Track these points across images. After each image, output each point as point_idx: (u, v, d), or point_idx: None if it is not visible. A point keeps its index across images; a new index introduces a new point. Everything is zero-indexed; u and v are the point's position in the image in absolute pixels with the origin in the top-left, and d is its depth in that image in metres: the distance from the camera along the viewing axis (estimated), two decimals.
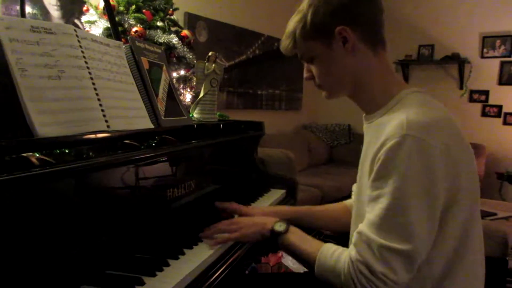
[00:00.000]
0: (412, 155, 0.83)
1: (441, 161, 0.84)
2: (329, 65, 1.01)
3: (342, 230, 1.22)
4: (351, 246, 0.90)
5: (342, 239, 1.15)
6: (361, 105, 1.06)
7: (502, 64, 4.54)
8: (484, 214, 2.64)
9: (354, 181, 1.18)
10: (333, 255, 0.92)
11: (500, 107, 4.59)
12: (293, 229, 1.05)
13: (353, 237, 0.91)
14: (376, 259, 0.84)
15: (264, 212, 1.29)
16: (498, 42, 4.55)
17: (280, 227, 1.05)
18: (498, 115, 4.61)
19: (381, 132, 0.91)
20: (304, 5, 1.00)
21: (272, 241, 1.05)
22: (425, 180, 0.84)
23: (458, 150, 0.90)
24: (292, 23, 1.02)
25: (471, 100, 4.73)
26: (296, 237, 1.03)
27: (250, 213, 1.27)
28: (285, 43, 1.05)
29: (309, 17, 0.97)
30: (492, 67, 4.60)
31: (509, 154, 4.50)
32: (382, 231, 0.85)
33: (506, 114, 4.57)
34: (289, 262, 2.25)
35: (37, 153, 0.79)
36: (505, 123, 4.57)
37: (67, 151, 0.88)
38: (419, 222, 0.84)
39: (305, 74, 1.08)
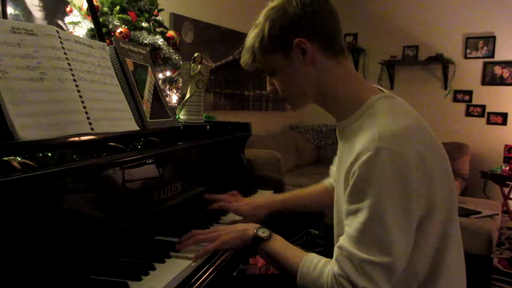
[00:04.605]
0: (387, 168, 0.83)
1: (416, 171, 0.84)
2: (290, 77, 1.00)
3: (323, 209, 1.26)
4: (333, 261, 0.90)
5: (328, 242, 1.15)
6: (331, 113, 1.06)
7: (485, 64, 4.62)
8: (469, 213, 2.67)
9: None
10: (316, 267, 0.92)
11: (483, 106, 4.67)
12: (275, 236, 1.05)
13: (334, 252, 0.91)
14: (358, 274, 0.84)
15: (256, 204, 1.33)
16: (480, 43, 4.62)
17: (263, 233, 1.03)
18: (481, 114, 4.68)
19: (353, 140, 0.92)
20: (260, 18, 1.00)
21: (253, 247, 1.04)
22: (401, 193, 0.84)
23: (432, 155, 0.90)
24: (250, 37, 1.01)
25: (455, 100, 4.80)
26: (279, 244, 1.02)
27: (240, 209, 1.30)
28: (244, 58, 1.04)
29: (266, 31, 0.97)
30: (475, 67, 4.67)
31: (492, 153, 4.57)
32: (362, 245, 0.85)
33: (489, 113, 4.64)
34: None
35: (19, 157, 0.77)
36: (488, 122, 4.65)
37: (50, 154, 0.87)
38: (397, 234, 0.84)
39: (268, 88, 1.07)
